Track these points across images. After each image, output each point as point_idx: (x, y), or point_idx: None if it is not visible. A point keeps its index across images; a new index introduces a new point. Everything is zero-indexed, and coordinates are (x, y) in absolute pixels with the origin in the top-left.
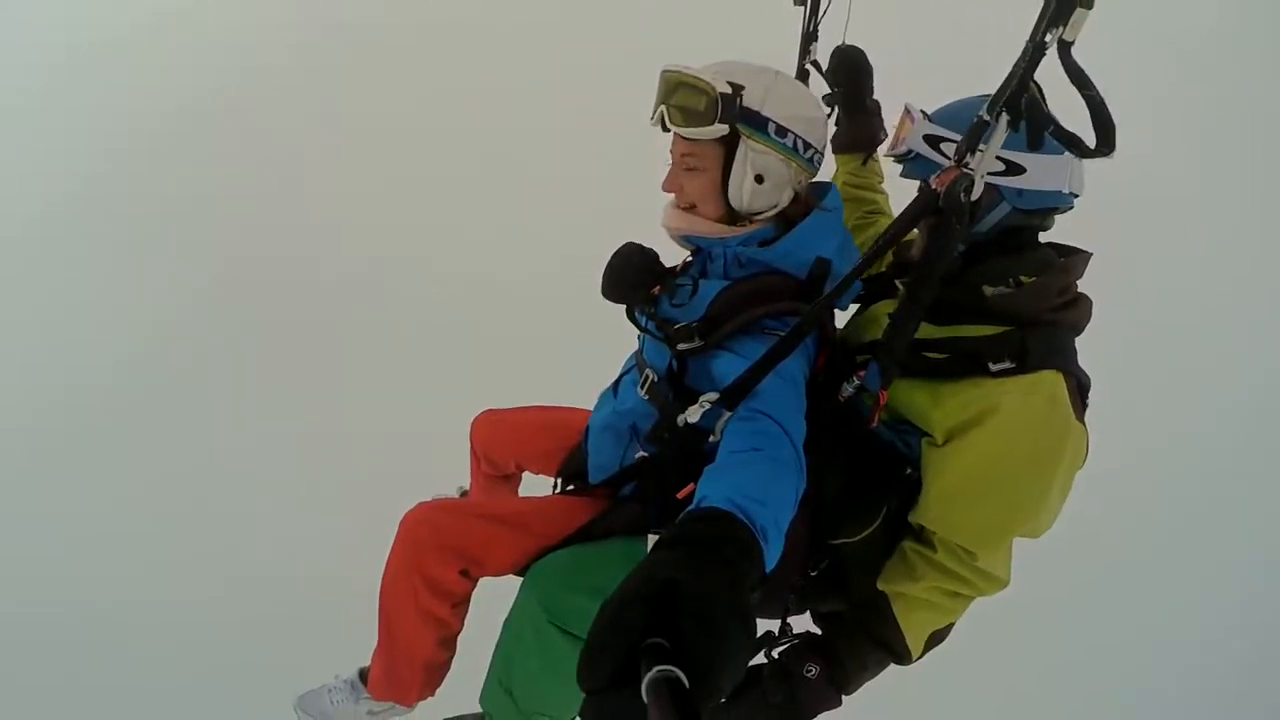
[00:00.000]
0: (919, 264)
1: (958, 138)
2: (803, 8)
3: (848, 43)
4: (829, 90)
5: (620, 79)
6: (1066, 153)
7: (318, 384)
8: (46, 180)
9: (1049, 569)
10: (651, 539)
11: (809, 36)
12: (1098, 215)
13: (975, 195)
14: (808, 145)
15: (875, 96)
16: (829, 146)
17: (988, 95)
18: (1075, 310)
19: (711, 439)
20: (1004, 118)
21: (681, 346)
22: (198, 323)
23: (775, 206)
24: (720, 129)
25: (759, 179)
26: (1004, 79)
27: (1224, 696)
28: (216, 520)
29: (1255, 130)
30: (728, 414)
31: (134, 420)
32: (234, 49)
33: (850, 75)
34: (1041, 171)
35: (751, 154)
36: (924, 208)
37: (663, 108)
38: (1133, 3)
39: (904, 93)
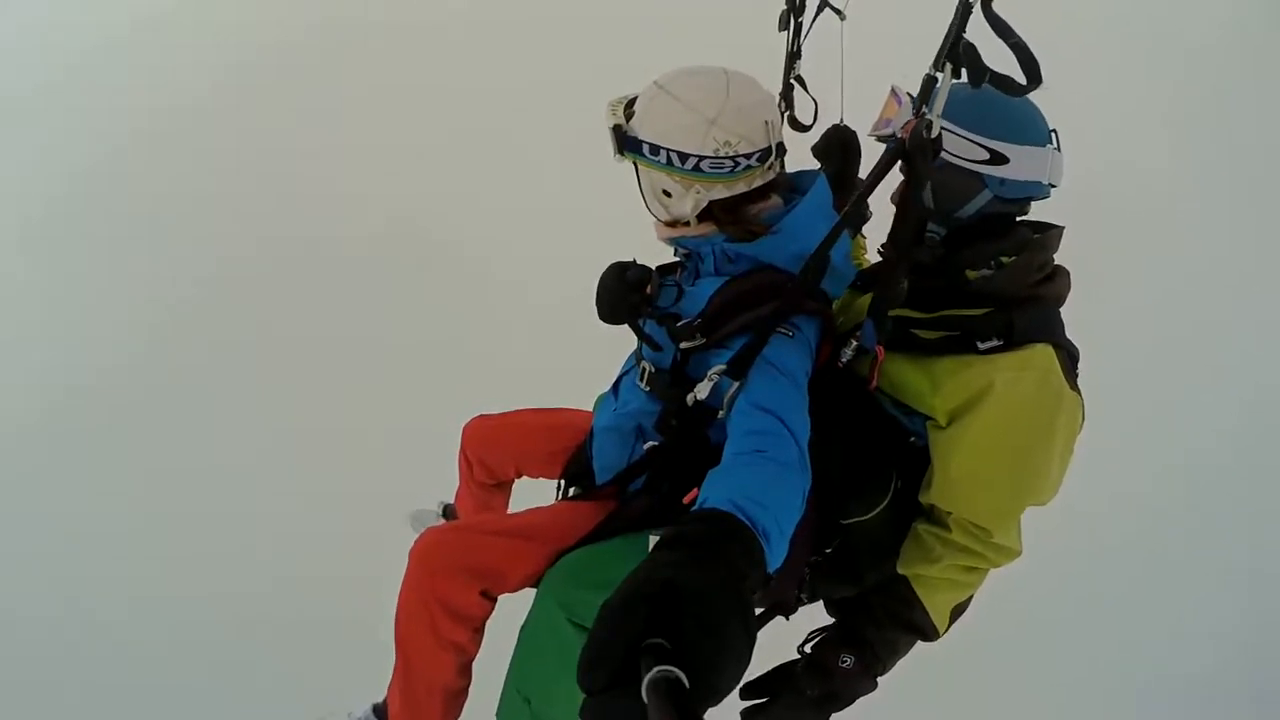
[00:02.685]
0: (898, 209)
1: (954, 128)
2: (786, 31)
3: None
4: (814, 101)
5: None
6: (1048, 145)
7: (317, 382)
8: (45, 179)
9: (1050, 569)
10: (653, 539)
11: (793, 55)
12: (1098, 224)
13: (935, 133)
14: (684, 156)
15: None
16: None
17: (963, 84)
18: (1055, 284)
19: (720, 415)
20: (948, 69)
21: (684, 345)
22: (197, 321)
23: (682, 216)
24: (621, 157)
25: (666, 193)
26: (943, 39)
27: (1214, 688)
28: (215, 519)
29: (1252, 140)
30: (736, 385)
31: (133, 419)
32: (233, 47)
33: (841, 155)
34: (1024, 161)
35: (646, 175)
36: (894, 156)
37: None
38: (1140, 13)
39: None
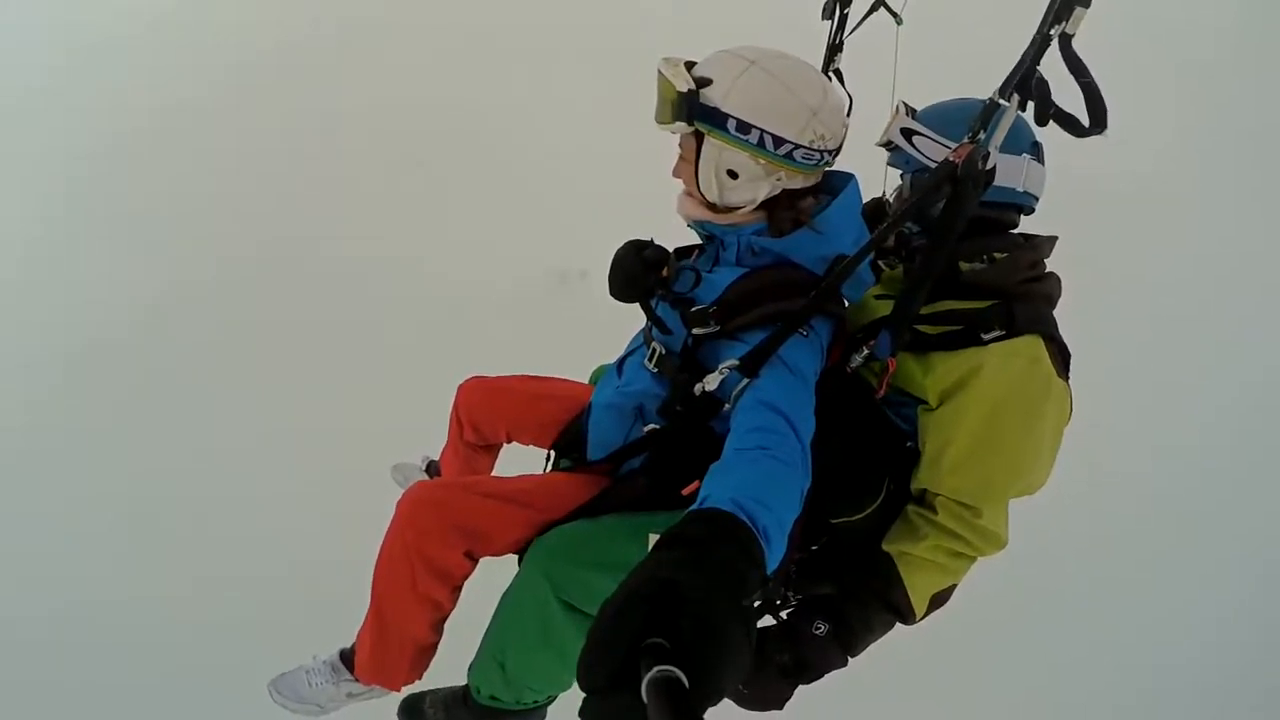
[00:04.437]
0: (936, 229)
1: (930, 133)
2: (830, 21)
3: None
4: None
5: (632, 94)
6: (1025, 154)
7: (317, 383)
8: (45, 179)
9: (1047, 566)
10: (653, 538)
11: (834, 48)
12: (1103, 210)
13: (989, 165)
14: (779, 140)
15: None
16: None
17: (967, 99)
18: (1045, 283)
19: (726, 407)
20: (1014, 98)
21: (697, 331)
22: (197, 321)
23: (751, 201)
24: (686, 126)
25: (731, 174)
26: (1014, 66)
27: (1217, 691)
28: (214, 519)
29: (1251, 138)
30: (746, 381)
31: (133, 419)
32: (233, 47)
33: (873, 220)
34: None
35: (716, 150)
36: (944, 178)
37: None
38: (1138, 13)
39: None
